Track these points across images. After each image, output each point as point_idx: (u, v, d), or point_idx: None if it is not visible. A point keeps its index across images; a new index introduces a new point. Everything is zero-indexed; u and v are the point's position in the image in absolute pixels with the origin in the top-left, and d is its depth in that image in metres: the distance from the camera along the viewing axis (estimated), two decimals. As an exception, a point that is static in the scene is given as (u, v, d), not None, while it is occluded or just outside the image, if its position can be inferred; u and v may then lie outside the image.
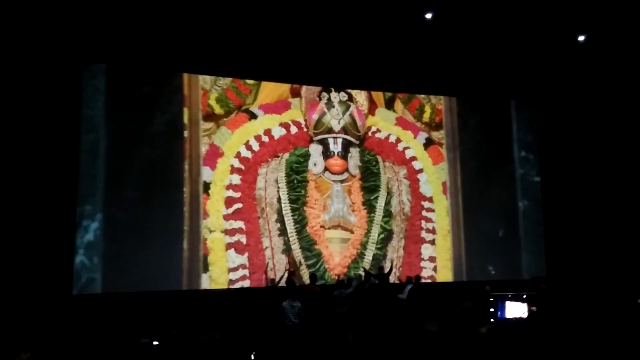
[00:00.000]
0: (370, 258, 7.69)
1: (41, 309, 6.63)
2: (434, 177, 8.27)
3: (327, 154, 7.78)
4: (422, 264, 7.95)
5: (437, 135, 8.42)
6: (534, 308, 4.77)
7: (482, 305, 4.91)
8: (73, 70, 6.93)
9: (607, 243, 9.72)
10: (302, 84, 7.81)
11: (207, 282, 6.94)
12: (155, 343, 4.95)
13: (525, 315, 4.84)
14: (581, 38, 8.82)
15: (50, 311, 6.66)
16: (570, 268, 9.77)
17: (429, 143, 8.33)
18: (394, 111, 8.27)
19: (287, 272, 7.11)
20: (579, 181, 9.81)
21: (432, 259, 8.02)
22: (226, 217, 7.17)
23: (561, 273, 9.54)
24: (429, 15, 7.69)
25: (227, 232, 7.13)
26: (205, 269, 6.94)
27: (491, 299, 5.00)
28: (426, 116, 8.41)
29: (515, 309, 4.96)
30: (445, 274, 8.06)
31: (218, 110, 7.33)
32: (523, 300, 4.94)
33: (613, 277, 8.95)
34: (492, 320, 4.85)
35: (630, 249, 9.50)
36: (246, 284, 7.10)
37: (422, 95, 8.43)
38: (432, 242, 8.08)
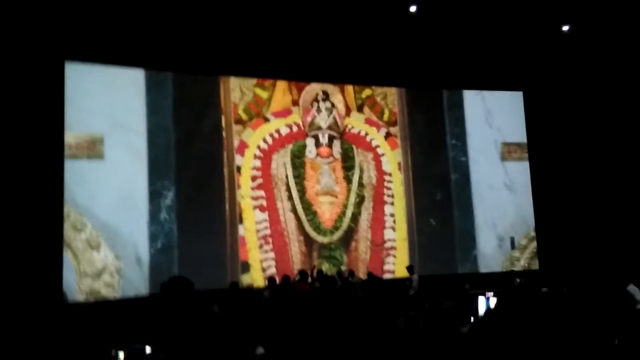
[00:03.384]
0: (350, 214, 11.31)
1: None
2: (392, 159, 11.87)
3: (318, 144, 11.33)
4: (385, 218, 11.58)
5: (393, 130, 12.00)
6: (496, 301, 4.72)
7: (463, 305, 4.79)
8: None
9: (595, 232, 10.95)
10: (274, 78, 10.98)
11: (242, 232, 10.44)
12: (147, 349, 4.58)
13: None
14: (565, 28, 10.29)
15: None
16: (562, 263, 11.19)
17: (387, 135, 11.91)
18: (363, 113, 11.86)
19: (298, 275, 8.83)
20: (566, 168, 11.42)
21: (392, 215, 11.66)
22: (252, 188, 10.69)
23: (552, 268, 11.16)
24: (413, 9, 9.60)
25: (253, 198, 10.66)
26: (240, 222, 10.47)
27: (471, 297, 5.08)
28: (385, 117, 12.00)
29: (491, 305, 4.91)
30: (401, 227, 11.68)
31: (244, 117, 10.83)
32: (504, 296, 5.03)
33: (600, 268, 9.87)
34: (472, 319, 4.69)
35: (618, 238, 10.67)
36: (267, 232, 10.63)
37: (382, 102, 12.04)
38: (392, 204, 11.70)
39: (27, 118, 8.34)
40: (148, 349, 4.57)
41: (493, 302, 4.95)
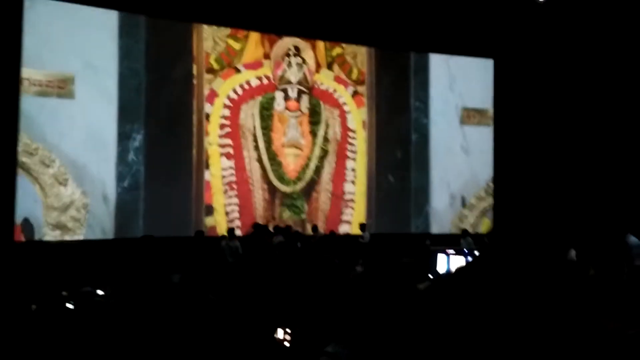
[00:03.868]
0: (313, 166, 11.83)
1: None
2: (357, 116, 12.36)
3: (286, 98, 11.70)
4: (346, 172, 12.16)
5: (360, 88, 12.43)
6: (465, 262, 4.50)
7: (422, 261, 4.75)
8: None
9: (550, 197, 11.36)
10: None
11: (208, 177, 10.88)
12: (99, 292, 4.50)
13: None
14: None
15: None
16: (517, 224, 11.66)
17: (354, 94, 12.36)
18: (333, 71, 12.23)
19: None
20: (529, 136, 11.84)
21: (353, 170, 12.24)
22: (220, 136, 11.06)
23: (507, 229, 11.76)
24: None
25: (220, 145, 11.05)
26: (207, 167, 10.89)
27: (432, 254, 4.90)
28: (354, 76, 12.40)
29: (458, 264, 4.46)
30: (361, 181, 12.29)
31: (216, 66, 11.07)
32: (465, 255, 4.79)
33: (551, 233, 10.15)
34: (431, 276, 4.45)
35: (572, 205, 11.13)
36: (233, 179, 11.09)
37: (352, 61, 12.42)
38: (354, 159, 12.26)
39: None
40: (100, 293, 4.47)
41: (454, 260, 4.79)
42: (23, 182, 9.05)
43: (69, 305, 4.08)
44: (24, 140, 9.10)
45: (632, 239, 8.36)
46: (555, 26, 12.00)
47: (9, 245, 8.48)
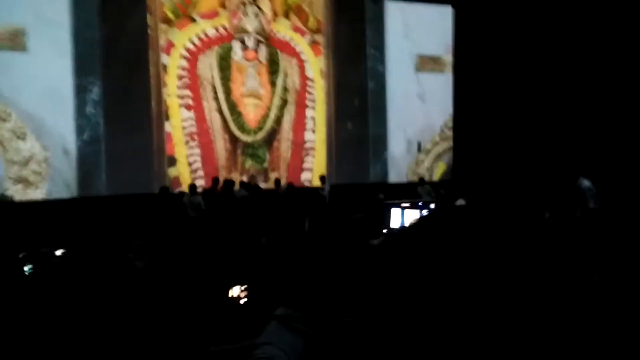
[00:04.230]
0: (273, 116, 12.05)
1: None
2: (315, 65, 12.53)
3: (244, 47, 11.75)
4: (306, 120, 12.43)
5: (318, 37, 12.57)
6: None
7: (375, 216, 4.64)
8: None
9: (507, 145, 11.61)
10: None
11: (168, 128, 10.98)
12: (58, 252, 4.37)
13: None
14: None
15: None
16: (474, 170, 11.92)
17: (312, 43, 12.51)
18: (290, 20, 12.29)
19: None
20: (490, 81, 12.03)
21: (312, 118, 12.51)
22: (179, 87, 11.11)
23: (465, 175, 12.06)
24: None
25: (179, 96, 11.11)
26: (167, 119, 10.98)
27: (385, 208, 4.73)
28: (311, 25, 12.51)
29: (413, 218, 4.40)
30: (320, 129, 12.59)
31: (171, 17, 11.02)
32: (419, 209, 4.66)
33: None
34: (384, 231, 4.48)
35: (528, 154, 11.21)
36: (193, 129, 11.23)
37: (308, 9, 12.47)
38: (313, 108, 12.52)
39: None
40: (58, 253, 4.35)
41: (409, 214, 4.59)
42: (-21, 137, 9.00)
43: (26, 268, 3.93)
44: (-23, 95, 9.00)
45: (585, 182, 8.53)
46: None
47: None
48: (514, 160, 11.97)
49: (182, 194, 9.98)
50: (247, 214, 8.36)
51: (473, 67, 13.15)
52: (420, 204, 4.78)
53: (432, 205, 4.48)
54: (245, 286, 3.26)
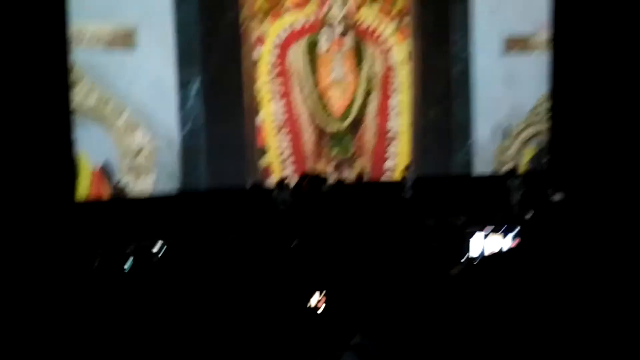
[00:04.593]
0: (358, 104, 12.39)
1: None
2: (401, 51, 12.63)
3: (330, 37, 12.12)
4: (391, 107, 12.65)
5: (404, 22, 12.57)
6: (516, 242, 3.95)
7: (454, 243, 4.35)
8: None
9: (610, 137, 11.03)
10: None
11: (260, 120, 11.65)
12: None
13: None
14: None
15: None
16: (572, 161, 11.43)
17: (397, 28, 12.52)
18: (376, 4, 12.43)
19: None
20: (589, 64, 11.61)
21: (397, 104, 12.71)
22: (270, 80, 11.74)
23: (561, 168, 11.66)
24: None
25: (270, 88, 11.74)
26: (261, 109, 11.66)
27: (465, 235, 4.39)
28: (397, 9, 12.57)
29: (497, 245, 4.27)
30: (405, 115, 12.78)
31: (262, 11, 11.54)
32: (503, 234, 4.24)
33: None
34: (465, 259, 4.15)
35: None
36: (283, 120, 11.83)
37: (394, -4, 12.51)
38: (397, 94, 12.71)
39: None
40: (157, 247, 4.63)
41: (490, 240, 4.28)
42: (99, 131, 10.10)
43: (127, 263, 4.23)
44: (97, 92, 10.06)
45: None
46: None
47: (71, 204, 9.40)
48: (617, 149, 11.43)
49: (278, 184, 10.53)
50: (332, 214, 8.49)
51: (574, 44, 12.52)
52: (504, 228, 4.21)
53: (517, 230, 4.01)
54: (324, 293, 3.27)
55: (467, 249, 4.32)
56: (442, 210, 6.77)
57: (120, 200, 9.93)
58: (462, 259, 4.17)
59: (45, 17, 9.14)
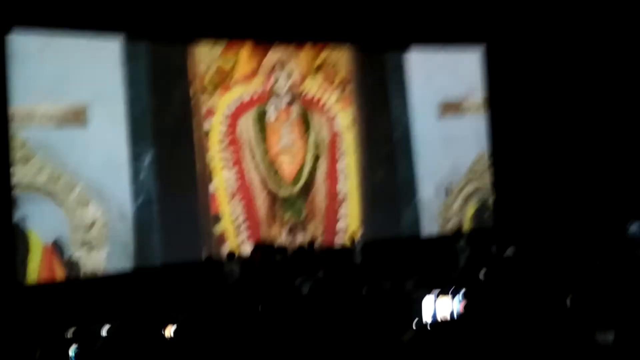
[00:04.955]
0: (307, 170, 12.91)
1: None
2: (344, 118, 13.34)
3: (277, 108, 12.77)
4: (339, 171, 13.25)
5: (344, 92, 13.33)
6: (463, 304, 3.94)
7: (404, 307, 4.21)
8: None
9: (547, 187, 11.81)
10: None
11: (213, 188, 11.94)
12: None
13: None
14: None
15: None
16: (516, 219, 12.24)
17: (339, 98, 13.25)
18: (318, 79, 13.24)
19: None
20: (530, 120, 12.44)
21: (344, 168, 13.32)
22: (221, 150, 12.12)
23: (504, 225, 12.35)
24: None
25: (221, 159, 12.13)
26: (211, 180, 11.95)
27: (414, 298, 4.33)
28: (337, 81, 13.39)
29: (447, 307, 4.23)
30: (353, 178, 13.38)
31: (210, 86, 12.06)
32: (452, 295, 4.20)
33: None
34: (415, 324, 4.12)
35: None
36: (235, 187, 12.15)
37: (334, 68, 13.42)
38: (344, 158, 13.36)
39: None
40: (104, 331, 4.53)
41: (441, 302, 4.25)
42: (50, 207, 10.10)
43: (72, 349, 4.05)
44: (48, 169, 10.15)
45: (634, 227, 8.11)
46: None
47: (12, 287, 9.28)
48: (561, 200, 12.06)
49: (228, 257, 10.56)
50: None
51: (510, 104, 13.57)
52: (452, 289, 4.23)
53: (463, 290, 4.03)
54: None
55: (418, 313, 4.27)
56: (392, 274, 6.78)
57: (67, 282, 9.86)
58: (413, 323, 4.12)
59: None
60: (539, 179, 13.03)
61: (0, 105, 9.65)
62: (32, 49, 10.15)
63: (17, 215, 9.81)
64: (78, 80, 10.59)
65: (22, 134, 10.07)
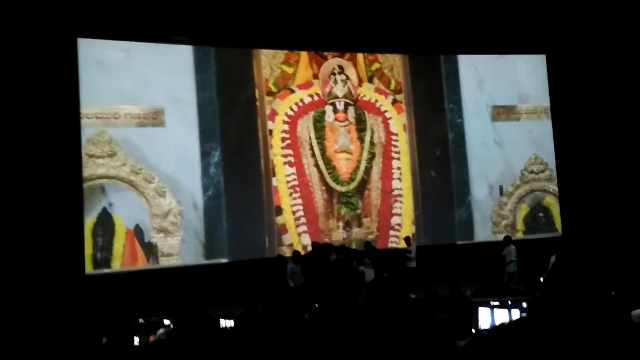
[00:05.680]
0: (363, 168, 13.60)
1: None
2: (398, 122, 14.06)
3: (335, 111, 13.57)
4: (393, 171, 13.85)
5: (399, 97, 14.14)
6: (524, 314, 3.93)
7: (461, 315, 4.20)
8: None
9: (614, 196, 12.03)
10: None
11: (275, 182, 12.82)
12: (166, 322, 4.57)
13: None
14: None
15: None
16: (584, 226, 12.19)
17: (394, 102, 14.09)
18: (373, 84, 14.01)
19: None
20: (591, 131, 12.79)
21: (398, 168, 13.92)
22: (282, 148, 13.02)
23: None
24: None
25: (283, 155, 13.00)
26: (274, 175, 12.85)
27: (472, 306, 4.26)
28: (392, 86, 14.13)
29: (503, 317, 4.17)
30: (406, 178, 13.94)
31: (274, 89, 13.12)
32: (509, 308, 4.17)
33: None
34: (473, 331, 4.11)
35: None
36: (295, 183, 12.99)
37: (389, 74, 14.15)
38: (398, 159, 13.93)
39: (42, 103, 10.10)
40: (166, 322, 4.73)
41: (498, 313, 4.18)
42: (133, 196, 11.27)
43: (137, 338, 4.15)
44: (131, 162, 11.35)
45: None
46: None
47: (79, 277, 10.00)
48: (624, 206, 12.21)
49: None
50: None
51: (572, 110, 13.78)
52: (509, 302, 4.17)
53: (525, 304, 4.01)
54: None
55: (475, 320, 4.22)
56: (448, 280, 6.81)
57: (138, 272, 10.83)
58: (470, 330, 4.13)
59: (59, 103, 10.39)
60: (602, 185, 13.15)
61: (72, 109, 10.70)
62: (117, 56, 11.48)
63: (104, 202, 11.01)
64: (156, 85, 11.81)
65: (109, 132, 11.34)
